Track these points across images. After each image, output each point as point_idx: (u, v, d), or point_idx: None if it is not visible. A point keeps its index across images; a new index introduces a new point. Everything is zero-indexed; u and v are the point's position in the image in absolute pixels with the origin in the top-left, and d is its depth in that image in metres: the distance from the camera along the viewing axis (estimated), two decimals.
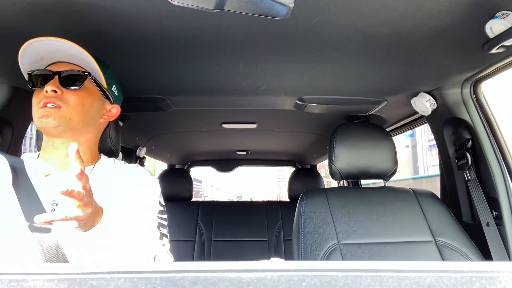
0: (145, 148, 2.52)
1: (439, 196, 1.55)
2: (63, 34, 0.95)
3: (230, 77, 1.31)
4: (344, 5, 0.82)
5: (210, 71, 1.25)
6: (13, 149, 1.31)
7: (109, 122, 1.19)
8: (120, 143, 1.36)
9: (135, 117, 1.90)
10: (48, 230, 0.79)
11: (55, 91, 0.84)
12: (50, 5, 0.83)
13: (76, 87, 0.88)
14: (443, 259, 1.25)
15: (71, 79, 0.88)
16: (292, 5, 0.67)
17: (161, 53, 1.11)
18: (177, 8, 0.79)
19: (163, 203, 0.97)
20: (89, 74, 0.90)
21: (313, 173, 3.14)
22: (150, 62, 1.17)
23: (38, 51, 0.85)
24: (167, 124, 2.27)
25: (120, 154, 1.36)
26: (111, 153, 1.26)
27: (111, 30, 0.95)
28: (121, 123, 1.75)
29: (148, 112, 1.80)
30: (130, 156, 2.51)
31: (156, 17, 0.87)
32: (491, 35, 0.92)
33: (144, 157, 2.61)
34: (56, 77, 0.86)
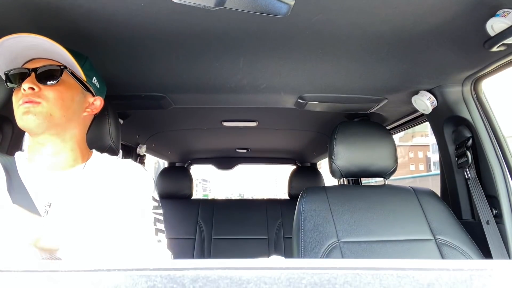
0: (145, 146, 2.52)
1: (439, 194, 1.55)
2: (62, 32, 0.95)
3: (231, 75, 1.31)
4: (345, 3, 0.82)
5: (210, 69, 1.25)
6: (14, 147, 1.31)
7: (108, 119, 1.20)
8: (120, 141, 1.36)
9: (136, 115, 1.90)
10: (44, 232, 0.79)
11: (33, 88, 0.83)
12: (50, 3, 0.82)
13: (53, 82, 0.86)
14: (442, 257, 1.25)
15: (48, 74, 0.86)
16: (292, 3, 0.66)
17: (161, 51, 1.11)
18: (178, 6, 0.78)
19: (157, 198, 0.96)
20: (65, 67, 0.88)
21: (313, 171, 3.14)
22: (150, 60, 1.17)
23: (11, 50, 0.83)
24: (168, 122, 2.27)
25: (120, 152, 1.36)
26: (111, 151, 1.26)
27: (112, 28, 0.94)
28: (121, 121, 1.75)
29: (148, 110, 1.80)
30: (130, 154, 2.51)
31: (156, 15, 0.87)
32: (492, 33, 0.92)
33: (144, 155, 2.61)
34: (33, 73, 0.85)
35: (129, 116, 1.85)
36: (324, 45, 1.06)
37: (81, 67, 0.89)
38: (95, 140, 1.16)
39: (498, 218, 1.27)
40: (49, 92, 0.86)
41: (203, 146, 3.15)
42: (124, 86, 1.40)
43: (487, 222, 1.27)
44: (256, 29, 0.96)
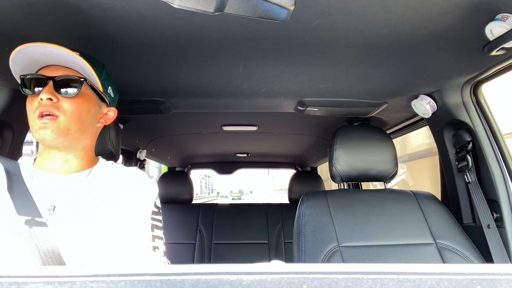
0: (145, 150, 2.52)
1: (439, 198, 1.55)
2: (63, 37, 0.95)
3: (231, 80, 1.32)
4: (344, 8, 0.83)
5: (210, 73, 1.25)
6: (14, 152, 1.31)
7: (109, 124, 1.20)
8: (120, 145, 1.36)
9: (136, 120, 1.90)
10: (45, 234, 0.79)
11: (51, 99, 0.82)
12: (51, 8, 0.83)
13: (71, 94, 0.85)
14: (444, 261, 1.24)
15: (66, 84, 0.85)
16: (292, 8, 0.67)
17: (161, 56, 1.11)
18: (178, 11, 0.79)
19: (159, 204, 0.96)
20: (85, 80, 0.87)
21: (314, 175, 3.13)
22: (151, 65, 1.18)
23: (30, 56, 0.82)
24: (168, 126, 2.27)
25: (120, 157, 1.37)
26: (111, 156, 1.26)
27: (112, 33, 0.95)
28: (121, 126, 1.75)
29: (148, 115, 1.80)
30: (130, 158, 2.51)
31: (157, 20, 0.88)
32: (491, 37, 0.92)
33: (144, 160, 2.61)
34: (51, 83, 0.83)
35: (129, 121, 1.85)
36: (323, 49, 1.07)
37: (98, 76, 0.88)
38: (95, 145, 1.16)
39: (499, 222, 1.27)
40: (67, 104, 0.84)
41: (203, 151, 3.15)
42: (124, 91, 1.41)
43: (488, 226, 1.27)
44: (256, 34, 0.96)
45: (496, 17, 0.86)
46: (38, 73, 0.87)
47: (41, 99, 0.81)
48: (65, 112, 0.84)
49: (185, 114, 1.91)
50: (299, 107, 1.61)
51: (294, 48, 1.06)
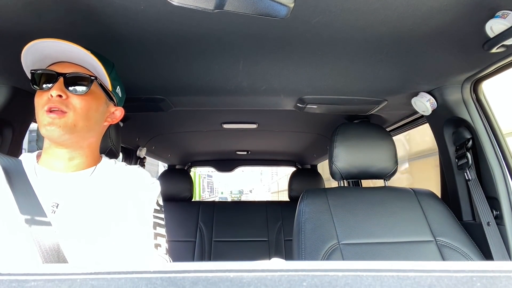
0: (145, 148, 2.52)
1: (439, 195, 1.55)
2: (63, 34, 0.95)
3: (230, 77, 1.31)
4: (344, 5, 0.82)
5: (210, 71, 1.25)
6: (14, 150, 1.31)
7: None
8: (120, 143, 1.36)
9: (135, 118, 1.90)
10: (48, 231, 0.79)
11: (60, 96, 0.82)
12: (50, 5, 0.83)
13: (82, 91, 0.85)
14: (443, 258, 1.25)
15: (76, 81, 0.85)
16: (292, 5, 0.67)
17: (161, 54, 1.11)
18: (177, 9, 0.79)
19: (161, 203, 0.97)
20: (96, 78, 0.88)
21: (314, 173, 3.14)
22: (150, 62, 1.17)
23: (42, 51, 0.82)
24: (167, 124, 2.27)
25: (120, 154, 1.37)
26: (111, 154, 1.26)
27: (111, 31, 0.94)
28: (121, 124, 1.75)
29: (148, 113, 1.80)
30: (130, 156, 2.51)
31: (156, 17, 0.87)
32: (491, 34, 0.92)
33: (144, 158, 2.61)
34: (61, 79, 0.84)
35: (129, 119, 1.85)
36: (323, 47, 1.07)
37: (108, 75, 0.88)
38: None
39: (499, 219, 1.27)
40: (76, 101, 0.85)
41: (203, 149, 3.15)
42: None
43: (488, 224, 1.27)
44: (255, 31, 0.96)
45: (497, 14, 0.86)
46: (48, 68, 0.87)
47: (51, 96, 0.82)
48: (75, 109, 0.84)
49: (185, 112, 1.90)
50: (299, 105, 1.61)
51: (294, 46, 1.06)
